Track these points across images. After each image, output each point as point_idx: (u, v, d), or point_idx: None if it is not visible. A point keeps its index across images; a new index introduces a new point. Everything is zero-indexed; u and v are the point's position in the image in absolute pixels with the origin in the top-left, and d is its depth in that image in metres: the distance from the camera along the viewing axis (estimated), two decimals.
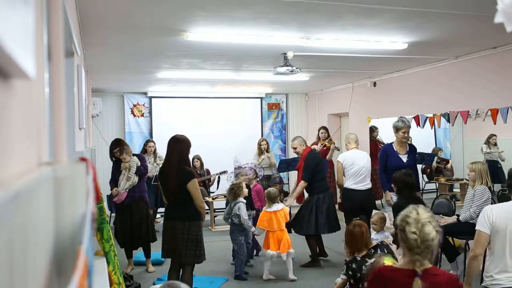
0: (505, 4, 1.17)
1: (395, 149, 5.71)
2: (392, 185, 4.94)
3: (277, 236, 5.36)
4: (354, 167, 5.89)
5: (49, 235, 0.87)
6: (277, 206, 5.47)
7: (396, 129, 5.72)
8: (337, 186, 6.38)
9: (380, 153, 5.89)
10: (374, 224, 4.79)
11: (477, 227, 3.13)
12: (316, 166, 5.93)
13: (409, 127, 5.79)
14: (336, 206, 6.48)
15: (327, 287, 5.11)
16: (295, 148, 6.16)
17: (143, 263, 5.91)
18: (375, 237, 4.55)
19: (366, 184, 5.91)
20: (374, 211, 5.24)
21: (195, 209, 4.25)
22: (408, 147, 5.76)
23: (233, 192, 5.53)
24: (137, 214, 5.67)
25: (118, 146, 5.80)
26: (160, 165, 7.46)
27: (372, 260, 3.46)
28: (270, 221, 5.39)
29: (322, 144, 8.53)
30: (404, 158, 5.64)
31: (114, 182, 5.74)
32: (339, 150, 8.74)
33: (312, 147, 8.64)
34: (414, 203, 4.11)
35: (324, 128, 8.80)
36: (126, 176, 5.65)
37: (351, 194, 5.85)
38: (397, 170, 5.04)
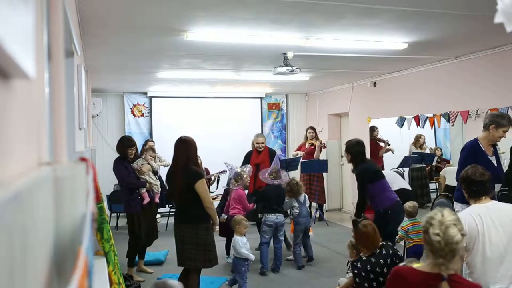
0: (505, 4, 1.17)
1: (484, 149, 4.47)
2: (345, 154, 5.04)
3: None
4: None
5: (49, 235, 0.87)
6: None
7: (496, 125, 4.36)
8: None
9: (467, 153, 4.47)
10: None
11: None
12: None
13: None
14: None
15: (327, 287, 5.12)
16: (262, 143, 6.69)
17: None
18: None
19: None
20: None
21: (203, 210, 4.13)
22: (492, 146, 4.63)
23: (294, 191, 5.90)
24: (153, 214, 5.67)
25: (133, 144, 5.63)
26: (159, 166, 7.45)
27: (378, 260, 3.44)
28: None
29: (309, 143, 8.63)
30: (494, 161, 4.51)
31: (138, 180, 5.53)
32: (325, 148, 8.87)
33: (297, 153, 8.83)
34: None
35: (312, 128, 8.93)
36: (151, 177, 5.66)
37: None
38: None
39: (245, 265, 4.86)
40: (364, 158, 5.11)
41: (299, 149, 8.99)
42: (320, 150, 8.65)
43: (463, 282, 2.11)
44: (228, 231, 5.87)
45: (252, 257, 4.91)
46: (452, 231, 2.02)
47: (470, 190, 3.06)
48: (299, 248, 5.90)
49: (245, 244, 4.90)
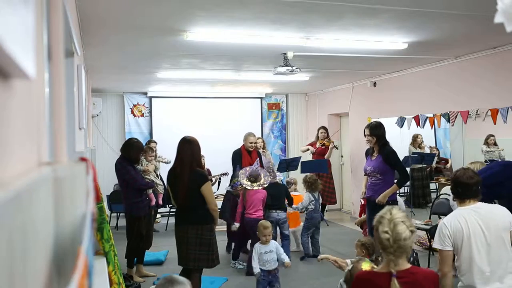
0: (505, 4, 1.17)
1: None
2: (367, 138, 5.17)
3: (293, 216, 6.52)
4: None
5: (49, 235, 0.87)
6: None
7: None
8: None
9: (504, 169, 4.37)
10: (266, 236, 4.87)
11: (436, 246, 3.02)
12: None
13: None
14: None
15: (327, 287, 5.12)
16: (255, 143, 6.57)
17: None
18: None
19: None
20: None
21: (207, 212, 4.14)
22: None
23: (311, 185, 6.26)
24: (151, 219, 5.62)
25: (143, 148, 5.49)
26: (161, 163, 7.42)
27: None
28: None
29: (321, 144, 8.62)
30: None
31: (148, 182, 5.46)
32: (337, 149, 8.86)
33: (308, 147, 8.83)
34: None
35: (324, 128, 8.90)
36: (155, 177, 5.63)
37: None
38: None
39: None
40: (386, 141, 5.23)
41: (310, 145, 8.99)
42: (331, 151, 8.67)
43: (417, 271, 2.15)
44: (239, 235, 5.86)
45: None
46: (400, 228, 2.09)
47: (455, 190, 3.07)
48: (307, 239, 6.24)
49: None
